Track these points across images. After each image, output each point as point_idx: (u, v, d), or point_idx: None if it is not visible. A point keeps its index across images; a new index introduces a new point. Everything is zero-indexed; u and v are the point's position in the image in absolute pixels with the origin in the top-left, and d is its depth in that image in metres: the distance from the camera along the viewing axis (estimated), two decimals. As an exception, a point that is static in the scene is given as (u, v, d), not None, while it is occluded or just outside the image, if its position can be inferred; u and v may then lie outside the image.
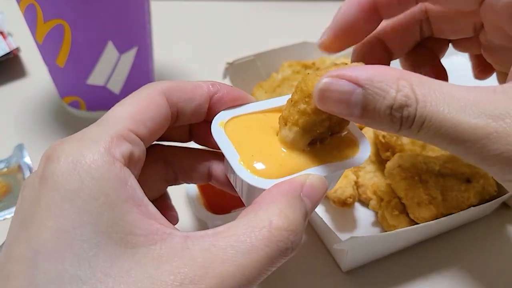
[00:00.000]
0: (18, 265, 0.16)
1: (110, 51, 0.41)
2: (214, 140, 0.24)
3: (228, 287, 0.17)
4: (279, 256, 0.18)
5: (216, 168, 0.26)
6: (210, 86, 0.24)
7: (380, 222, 0.34)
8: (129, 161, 0.19)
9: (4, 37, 0.54)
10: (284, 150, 0.24)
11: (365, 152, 0.24)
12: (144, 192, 0.19)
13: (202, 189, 0.34)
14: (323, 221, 0.30)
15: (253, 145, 0.24)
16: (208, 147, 0.27)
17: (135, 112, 0.21)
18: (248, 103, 0.25)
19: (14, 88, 0.51)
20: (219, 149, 0.24)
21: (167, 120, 0.22)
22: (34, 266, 0.16)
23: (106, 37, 0.40)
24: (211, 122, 0.24)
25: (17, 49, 0.53)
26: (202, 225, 0.36)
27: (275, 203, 0.19)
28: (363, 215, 0.36)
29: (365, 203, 0.37)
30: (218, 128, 0.24)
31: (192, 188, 0.33)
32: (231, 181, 0.26)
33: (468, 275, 0.33)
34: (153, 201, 0.20)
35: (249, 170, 0.22)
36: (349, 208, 0.35)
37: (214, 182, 0.27)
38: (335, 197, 0.33)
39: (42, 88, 0.51)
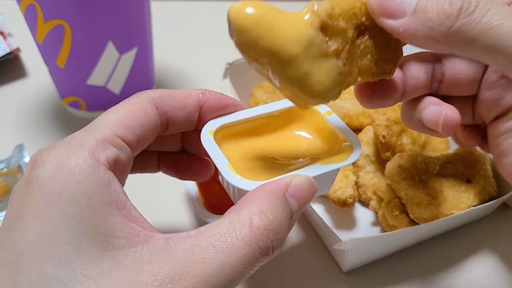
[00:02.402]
0: (2, 269, 0.17)
1: (110, 51, 0.41)
2: (197, 146, 0.24)
3: (209, 286, 0.17)
4: (260, 255, 0.18)
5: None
6: (200, 94, 0.25)
7: (380, 222, 0.34)
8: (114, 166, 0.20)
9: (5, 38, 0.54)
10: (273, 156, 0.25)
11: (356, 153, 0.25)
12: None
13: (202, 189, 0.34)
14: (323, 221, 0.30)
15: (242, 152, 0.25)
16: (200, 155, 0.28)
17: (123, 118, 0.21)
18: (238, 110, 0.26)
19: (15, 89, 0.51)
20: (200, 154, 0.24)
21: (156, 128, 0.23)
22: (17, 270, 0.16)
23: (107, 38, 0.40)
24: (201, 130, 0.25)
25: (18, 50, 0.53)
26: (202, 225, 0.36)
27: (257, 203, 0.19)
28: (363, 215, 0.36)
29: (365, 203, 0.37)
30: (208, 136, 0.24)
31: (192, 188, 0.33)
32: (225, 188, 0.26)
33: (468, 275, 0.33)
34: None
35: (237, 174, 0.22)
36: (349, 208, 0.35)
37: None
38: (335, 197, 0.33)
39: (42, 88, 0.51)
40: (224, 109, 0.25)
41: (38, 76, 0.53)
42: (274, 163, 0.25)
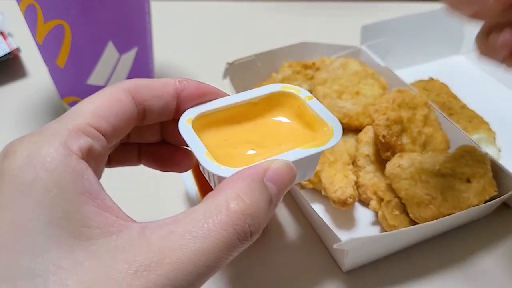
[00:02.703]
0: None
1: (110, 51, 0.41)
2: (176, 136, 0.24)
3: (186, 272, 0.17)
4: (238, 241, 0.18)
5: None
6: (177, 83, 0.24)
7: (380, 222, 0.34)
8: (88, 155, 0.19)
9: (5, 38, 0.54)
10: (253, 142, 0.25)
11: (336, 136, 0.24)
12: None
13: (201, 188, 0.34)
14: (323, 221, 0.30)
15: (222, 139, 0.25)
16: (180, 145, 0.27)
17: (97, 107, 0.21)
18: (217, 97, 0.26)
19: (14, 89, 0.52)
20: (179, 143, 0.24)
21: (133, 117, 0.22)
22: None
23: (107, 38, 0.40)
24: (179, 119, 0.24)
25: (18, 50, 0.53)
26: (202, 225, 0.36)
27: (234, 188, 0.19)
28: (363, 215, 0.36)
29: (365, 203, 0.37)
30: (185, 124, 0.24)
31: (191, 188, 0.33)
32: (206, 177, 0.26)
33: (468, 275, 0.33)
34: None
35: (215, 162, 0.22)
36: (349, 208, 0.35)
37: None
38: (335, 197, 0.33)
39: (42, 88, 0.51)
40: (202, 97, 0.25)
41: (38, 76, 0.53)
42: (253, 150, 0.25)
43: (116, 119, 0.21)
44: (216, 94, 0.26)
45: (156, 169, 0.28)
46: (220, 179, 0.22)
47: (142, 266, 0.16)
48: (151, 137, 0.27)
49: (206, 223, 0.18)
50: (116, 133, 0.22)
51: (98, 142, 0.20)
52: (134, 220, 0.19)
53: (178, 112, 0.25)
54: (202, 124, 0.25)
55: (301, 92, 0.28)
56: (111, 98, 0.21)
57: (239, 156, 0.24)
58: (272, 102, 0.28)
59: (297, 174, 0.23)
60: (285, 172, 0.21)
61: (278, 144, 0.25)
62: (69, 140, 0.19)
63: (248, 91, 0.27)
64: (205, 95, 0.25)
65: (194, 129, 0.24)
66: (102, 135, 0.21)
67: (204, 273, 0.17)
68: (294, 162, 0.22)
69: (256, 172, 0.20)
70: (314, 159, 0.25)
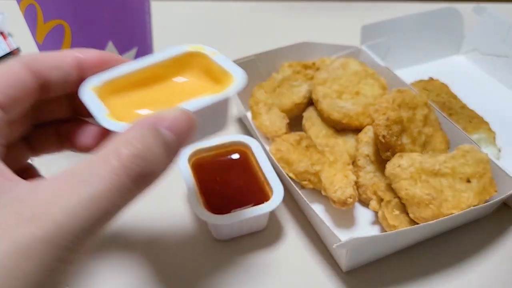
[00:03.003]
0: None
1: (110, 51, 0.41)
2: (84, 110, 0.24)
3: (79, 217, 0.17)
4: (132, 184, 0.18)
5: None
6: (77, 53, 0.24)
7: (380, 222, 0.34)
8: None
9: (5, 38, 0.54)
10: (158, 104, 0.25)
11: (238, 84, 0.25)
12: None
13: (202, 189, 0.34)
14: (323, 221, 0.30)
15: (130, 103, 0.25)
16: (87, 116, 0.27)
17: None
18: (121, 64, 0.26)
19: (15, 89, 0.52)
20: (87, 116, 0.24)
21: (31, 88, 0.22)
22: None
23: (107, 38, 0.40)
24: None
25: (18, 50, 0.54)
26: (202, 225, 0.36)
27: (125, 135, 0.19)
28: (363, 215, 0.36)
29: (365, 203, 0.37)
30: (87, 90, 0.24)
31: (192, 188, 0.33)
32: None
33: (468, 275, 0.33)
34: None
35: (115, 120, 0.22)
36: (349, 208, 0.35)
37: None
38: (335, 197, 0.33)
39: (43, 88, 0.51)
40: (105, 65, 0.25)
41: (38, 76, 0.53)
42: (162, 109, 0.24)
43: (12, 90, 0.21)
44: (118, 61, 0.26)
45: (78, 151, 0.27)
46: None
47: (28, 218, 0.16)
48: (61, 112, 0.26)
49: (98, 169, 0.18)
50: (14, 104, 0.21)
51: None
52: (23, 180, 0.19)
53: (80, 82, 0.25)
54: (107, 90, 0.25)
55: (206, 49, 0.28)
56: (5, 70, 0.21)
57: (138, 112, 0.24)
58: (180, 63, 0.28)
59: (207, 123, 0.24)
60: (181, 118, 0.21)
61: (185, 101, 0.25)
62: None
63: (154, 54, 0.27)
64: (107, 62, 0.25)
65: (101, 96, 0.24)
66: None
67: (100, 217, 0.17)
68: (195, 111, 0.22)
69: (148, 121, 0.20)
70: (218, 108, 0.25)
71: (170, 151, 0.20)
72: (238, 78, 0.25)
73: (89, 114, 0.25)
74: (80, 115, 0.27)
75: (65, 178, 0.18)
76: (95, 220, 0.17)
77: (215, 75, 0.27)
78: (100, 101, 0.24)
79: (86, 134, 0.26)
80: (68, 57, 0.24)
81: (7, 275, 0.15)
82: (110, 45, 0.40)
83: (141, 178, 0.19)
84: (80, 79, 0.24)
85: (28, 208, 0.17)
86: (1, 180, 0.18)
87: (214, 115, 0.25)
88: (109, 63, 0.25)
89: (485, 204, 0.33)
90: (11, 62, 0.22)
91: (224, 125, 0.27)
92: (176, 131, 0.20)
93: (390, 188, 0.34)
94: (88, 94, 0.24)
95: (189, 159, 0.36)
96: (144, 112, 0.25)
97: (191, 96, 0.25)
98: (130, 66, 0.26)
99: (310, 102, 0.43)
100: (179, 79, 0.28)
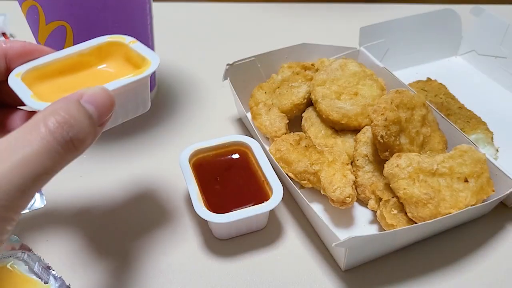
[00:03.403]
0: None
1: (111, 52, 0.41)
2: (13, 97, 0.26)
3: (14, 180, 0.19)
4: (61, 148, 0.21)
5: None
6: (3, 44, 0.27)
7: (379, 221, 0.34)
8: None
9: (7, 39, 0.55)
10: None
11: (153, 66, 0.28)
12: None
13: (202, 188, 0.34)
14: (322, 220, 0.31)
15: (55, 88, 0.28)
16: (18, 105, 0.29)
17: None
18: (45, 54, 0.28)
19: (16, 89, 0.52)
20: (18, 104, 0.27)
21: None
22: None
23: (108, 39, 0.40)
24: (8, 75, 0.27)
25: (19, 51, 0.54)
26: (202, 224, 0.36)
27: (50, 108, 0.22)
28: (362, 215, 0.37)
29: (364, 203, 0.37)
30: (14, 78, 0.27)
31: (192, 187, 0.34)
32: None
33: (466, 274, 0.33)
34: None
35: (40, 101, 0.25)
36: (348, 208, 0.35)
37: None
38: (334, 196, 0.34)
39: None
40: (30, 55, 0.27)
41: (39, 77, 0.53)
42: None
43: None
44: (42, 51, 0.28)
45: None
46: None
47: None
48: None
49: (26, 136, 0.20)
50: None
51: None
52: None
53: (8, 71, 0.27)
54: (35, 77, 0.28)
55: (126, 38, 0.32)
56: None
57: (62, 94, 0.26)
58: (102, 52, 0.31)
59: (128, 103, 0.28)
60: (101, 95, 0.24)
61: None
62: None
63: (78, 45, 0.30)
64: (32, 52, 0.28)
65: (27, 83, 0.27)
66: None
67: (32, 177, 0.20)
68: (115, 90, 0.26)
69: (71, 96, 0.23)
70: (139, 89, 0.29)
71: (92, 121, 0.23)
72: (153, 61, 0.29)
73: (16, 102, 0.28)
74: (8, 103, 0.29)
75: (1, 146, 0.20)
76: (29, 180, 0.19)
77: (134, 61, 0.30)
78: (24, 85, 0.26)
79: (16, 118, 0.28)
80: None
81: None
82: (112, 46, 0.41)
83: (68, 142, 0.21)
84: (7, 68, 0.27)
85: None
86: None
87: (134, 95, 0.29)
88: (35, 53, 0.28)
89: (483, 203, 0.33)
90: None
91: (146, 106, 0.30)
92: (95, 104, 0.23)
93: (388, 187, 0.34)
94: (15, 80, 0.27)
95: (190, 159, 0.37)
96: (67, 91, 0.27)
97: (113, 80, 0.28)
98: (56, 55, 0.29)
99: (310, 102, 0.43)
100: (102, 66, 0.31)
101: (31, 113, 0.28)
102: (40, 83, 0.28)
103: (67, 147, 0.21)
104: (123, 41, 0.31)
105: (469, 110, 0.45)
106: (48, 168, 0.20)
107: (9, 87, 0.27)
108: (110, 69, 0.31)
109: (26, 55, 0.28)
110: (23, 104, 0.28)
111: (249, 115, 0.45)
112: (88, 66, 0.31)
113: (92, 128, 0.23)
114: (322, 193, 0.35)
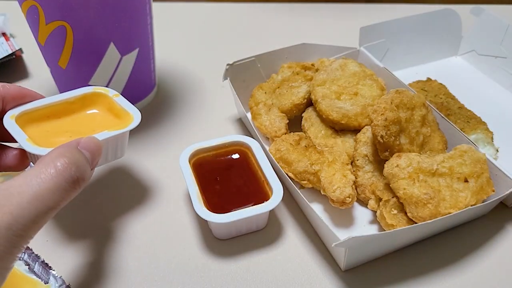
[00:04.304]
0: None
1: (112, 52, 0.41)
2: (7, 135, 0.30)
3: (27, 211, 0.22)
4: (68, 185, 0.24)
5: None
6: (1, 87, 0.30)
7: (379, 221, 0.34)
8: None
9: (7, 39, 0.55)
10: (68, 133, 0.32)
11: (136, 121, 0.33)
12: None
13: (202, 188, 0.34)
14: (322, 220, 0.31)
15: (44, 131, 0.32)
16: (6, 141, 0.32)
17: None
18: (36, 99, 0.32)
19: (17, 89, 0.52)
20: (10, 141, 0.31)
21: None
22: None
23: (108, 39, 0.40)
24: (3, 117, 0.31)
25: (20, 51, 0.54)
26: (203, 224, 0.36)
27: (56, 152, 0.25)
28: (362, 215, 0.37)
29: (364, 203, 0.37)
30: (9, 119, 0.31)
31: (192, 187, 0.34)
32: (30, 160, 0.32)
33: (466, 274, 0.33)
34: None
35: (35, 145, 0.29)
36: (348, 208, 0.35)
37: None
38: (334, 196, 0.34)
39: (45, 89, 0.52)
40: (23, 99, 0.32)
41: (40, 77, 0.53)
42: (71, 137, 0.31)
43: None
44: (35, 97, 0.33)
45: (2, 170, 0.32)
46: (37, 156, 0.28)
47: None
48: None
49: (39, 174, 0.23)
50: None
51: None
52: None
53: (2, 112, 0.31)
54: (26, 120, 0.32)
55: (109, 91, 0.36)
56: None
57: (59, 142, 0.29)
58: (87, 101, 0.35)
59: (110, 151, 0.32)
60: (93, 143, 0.28)
61: (92, 131, 0.32)
62: None
63: (65, 93, 0.35)
64: (25, 96, 0.32)
65: (19, 124, 0.30)
66: None
67: (44, 210, 0.23)
68: (103, 140, 0.30)
69: (71, 143, 0.27)
70: (120, 139, 0.33)
71: (89, 164, 0.27)
72: (135, 116, 0.33)
73: (3, 139, 0.32)
74: None
75: (11, 183, 0.23)
76: (41, 213, 0.23)
77: (115, 112, 0.35)
78: (19, 128, 0.30)
79: (9, 156, 0.32)
80: None
81: None
82: (112, 46, 0.41)
83: (74, 181, 0.25)
84: (2, 110, 0.31)
85: None
86: None
87: (118, 145, 0.33)
88: (28, 97, 0.32)
89: (483, 203, 0.33)
90: None
91: (122, 154, 0.35)
92: (89, 150, 0.27)
93: (388, 187, 0.34)
94: (10, 122, 0.30)
95: (190, 159, 0.37)
96: (60, 139, 0.31)
97: (97, 127, 0.33)
98: (44, 101, 0.33)
99: (310, 102, 0.43)
100: (86, 113, 0.35)
101: (22, 151, 0.32)
102: (30, 126, 0.32)
103: (72, 185, 0.25)
104: (107, 93, 0.35)
105: (469, 110, 0.45)
106: (57, 203, 0.24)
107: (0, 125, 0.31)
108: (93, 115, 0.35)
109: (20, 99, 0.32)
110: (10, 141, 0.32)
111: (249, 115, 0.45)
112: (73, 112, 0.35)
113: (89, 169, 0.27)
114: (322, 193, 0.35)
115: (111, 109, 0.35)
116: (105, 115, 0.35)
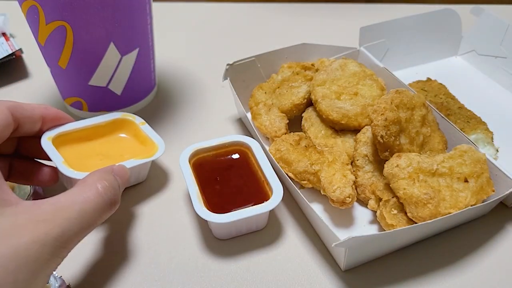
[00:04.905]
0: None
1: (112, 52, 0.41)
2: (41, 152, 0.34)
3: (73, 225, 0.25)
4: (106, 206, 0.27)
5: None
6: (44, 109, 0.34)
7: (379, 221, 0.34)
8: None
9: (7, 39, 0.55)
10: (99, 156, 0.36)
11: (160, 151, 0.36)
12: None
13: (202, 188, 0.35)
14: (322, 220, 0.31)
15: (77, 153, 0.36)
16: (33, 157, 0.36)
17: None
18: (68, 122, 0.36)
19: (17, 89, 0.52)
20: (43, 158, 0.34)
21: (9, 129, 0.30)
22: None
23: (108, 39, 0.40)
24: (41, 137, 0.34)
25: (20, 51, 0.54)
26: (203, 224, 0.36)
27: (96, 175, 0.29)
28: (362, 215, 0.37)
29: (364, 203, 0.37)
30: (46, 141, 0.34)
31: (192, 187, 0.34)
32: (64, 182, 0.36)
33: (466, 274, 0.33)
34: None
35: (71, 168, 0.33)
36: (348, 208, 0.35)
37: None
38: (334, 196, 0.34)
39: (45, 89, 0.52)
40: (59, 121, 0.35)
41: (40, 77, 0.53)
42: (102, 160, 0.36)
43: (1, 127, 0.28)
44: (68, 119, 0.36)
45: (23, 183, 0.35)
46: (75, 181, 0.31)
47: (40, 220, 0.24)
48: (8, 149, 0.34)
49: (83, 194, 0.26)
50: None
51: None
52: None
53: (40, 132, 0.34)
54: (61, 142, 0.35)
55: (136, 118, 0.39)
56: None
57: (91, 165, 0.33)
58: (116, 125, 0.39)
59: (133, 175, 0.36)
60: (123, 171, 0.31)
61: (120, 155, 0.36)
62: None
63: (96, 117, 0.38)
64: (61, 119, 0.35)
65: (55, 145, 0.34)
66: None
67: (86, 226, 0.26)
68: (130, 168, 0.34)
69: (108, 169, 0.30)
70: (145, 166, 0.38)
71: (120, 190, 0.30)
72: (159, 147, 0.37)
73: (33, 155, 0.35)
74: (23, 153, 0.35)
75: (58, 199, 0.25)
76: (84, 229, 0.26)
77: (141, 139, 0.39)
78: (55, 150, 0.34)
79: (44, 173, 0.35)
80: (38, 110, 0.33)
81: (31, 261, 0.23)
82: (112, 46, 0.41)
83: (111, 202, 0.28)
84: (40, 129, 0.34)
85: (38, 215, 0.24)
86: (13, 198, 0.25)
87: (141, 170, 0.38)
88: (62, 119, 0.35)
89: (483, 203, 0.33)
90: (2, 105, 0.29)
91: (144, 178, 0.39)
92: (121, 176, 0.31)
93: (388, 187, 0.34)
94: (47, 143, 0.34)
95: (190, 159, 0.37)
96: (92, 162, 0.35)
97: (125, 152, 0.37)
98: (76, 124, 0.37)
99: (310, 102, 0.43)
100: (115, 137, 0.39)
101: (54, 169, 0.35)
102: (64, 147, 0.35)
103: (109, 206, 0.28)
104: (134, 120, 0.39)
105: (469, 110, 0.45)
106: (96, 221, 0.27)
107: (31, 143, 0.35)
108: (121, 139, 0.39)
109: (56, 121, 0.35)
110: (44, 158, 0.35)
111: (249, 115, 0.45)
112: (102, 135, 0.38)
113: (120, 192, 0.30)
114: (322, 193, 0.35)
115: (136, 135, 0.39)
116: (132, 141, 0.39)
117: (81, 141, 0.37)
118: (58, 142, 0.35)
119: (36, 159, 0.36)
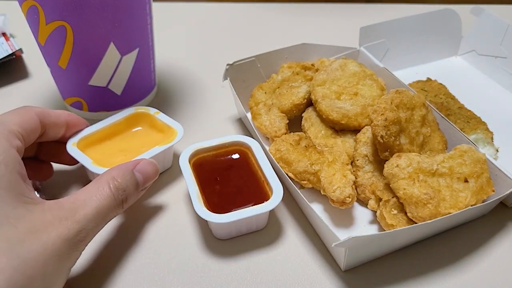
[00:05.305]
0: None
1: (112, 52, 0.41)
2: (59, 156, 0.37)
3: (91, 222, 0.27)
4: (116, 204, 0.29)
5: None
6: (67, 115, 0.36)
7: (379, 221, 0.34)
8: (17, 151, 0.28)
9: (7, 39, 0.55)
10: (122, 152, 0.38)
11: (179, 135, 0.38)
12: None
13: (202, 188, 0.35)
14: (322, 220, 0.31)
15: (101, 152, 0.37)
16: (52, 161, 0.38)
17: (22, 121, 0.30)
18: (86, 127, 0.38)
19: (17, 89, 0.52)
20: (60, 162, 0.38)
21: (37, 134, 0.32)
22: None
23: (108, 39, 0.40)
24: (66, 143, 0.37)
25: (20, 51, 0.54)
26: (203, 224, 0.36)
27: (111, 173, 0.30)
28: (362, 215, 0.37)
29: (364, 203, 0.37)
30: (71, 146, 0.36)
31: (192, 187, 0.34)
32: (90, 178, 0.38)
33: (466, 274, 0.33)
34: None
35: (99, 166, 0.35)
36: (348, 208, 0.35)
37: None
38: (334, 196, 0.34)
39: (45, 89, 0.52)
40: (79, 126, 0.38)
41: (40, 77, 0.53)
42: (126, 155, 0.37)
43: (31, 132, 0.31)
44: (85, 124, 0.38)
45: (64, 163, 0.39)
46: None
47: (63, 217, 0.26)
48: (29, 152, 0.36)
49: (98, 192, 0.29)
50: (28, 140, 0.31)
51: (21, 144, 0.29)
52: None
53: (63, 137, 0.37)
54: (84, 145, 0.37)
55: (150, 110, 0.41)
56: (30, 116, 0.31)
57: (117, 162, 0.33)
58: (131, 121, 0.41)
59: (159, 164, 0.34)
60: (149, 166, 0.32)
61: (141, 147, 0.37)
62: (10, 139, 0.28)
63: (111, 116, 0.40)
64: (81, 124, 0.38)
65: (80, 148, 0.36)
66: (23, 140, 0.30)
67: (101, 222, 0.28)
68: (153, 156, 0.36)
69: (126, 165, 0.31)
70: (168, 152, 0.39)
71: (138, 187, 0.31)
72: (178, 130, 0.38)
73: (49, 159, 0.38)
74: (41, 157, 0.37)
75: (76, 197, 0.28)
76: (98, 223, 0.28)
77: (158, 128, 0.40)
78: (82, 153, 0.36)
79: (45, 172, 0.38)
80: (62, 116, 0.35)
81: (57, 255, 0.25)
82: (112, 46, 0.41)
83: (121, 202, 0.30)
84: (64, 134, 0.36)
85: (60, 213, 0.26)
86: (33, 195, 0.27)
87: (165, 158, 0.39)
88: (82, 124, 0.38)
89: (483, 203, 0.33)
90: (31, 110, 0.32)
91: (170, 164, 0.41)
92: (143, 173, 0.32)
93: (388, 187, 0.34)
94: (73, 149, 0.36)
95: (190, 159, 0.37)
96: (117, 159, 0.37)
97: (145, 143, 0.38)
98: (95, 127, 0.39)
99: (310, 102, 0.43)
100: (132, 131, 0.40)
101: (50, 166, 0.38)
102: (88, 149, 0.37)
103: (120, 205, 0.30)
104: (148, 112, 0.41)
105: (469, 110, 0.45)
106: (109, 216, 0.29)
107: (50, 147, 0.37)
108: (139, 132, 0.40)
109: (78, 126, 0.37)
110: (57, 161, 0.38)
111: (249, 115, 0.45)
112: (121, 132, 0.40)
113: (137, 192, 0.31)
114: (322, 193, 0.35)
115: (153, 125, 0.40)
116: (149, 131, 0.40)
117: (102, 141, 0.39)
118: (82, 146, 0.37)
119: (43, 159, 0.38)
